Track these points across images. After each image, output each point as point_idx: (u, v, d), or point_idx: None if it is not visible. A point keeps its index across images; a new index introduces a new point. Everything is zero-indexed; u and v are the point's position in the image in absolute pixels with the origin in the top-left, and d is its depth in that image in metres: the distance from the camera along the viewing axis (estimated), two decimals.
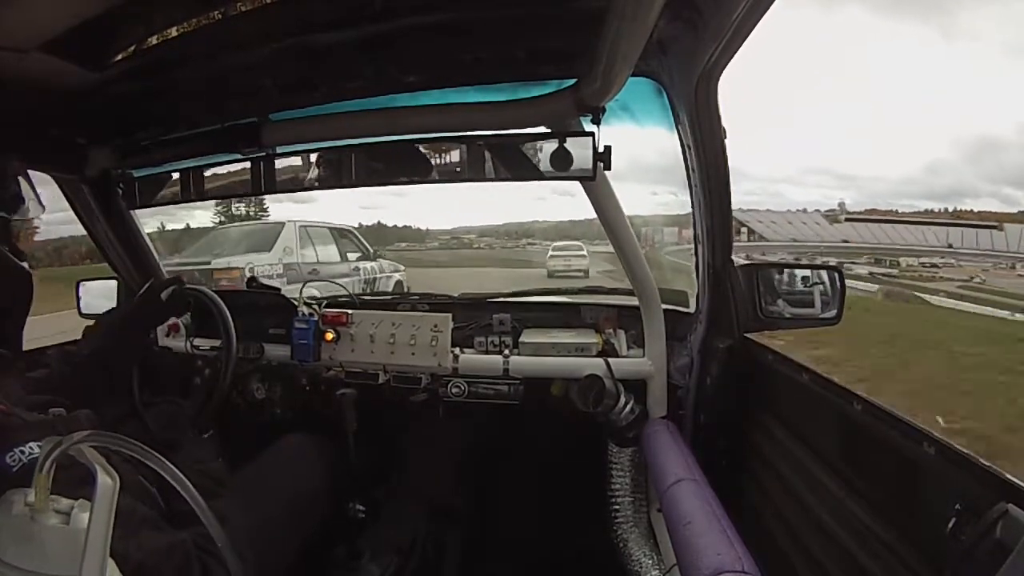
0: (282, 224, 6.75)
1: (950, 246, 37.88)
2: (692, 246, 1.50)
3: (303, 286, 1.91)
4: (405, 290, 7.08)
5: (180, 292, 1.52)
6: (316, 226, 7.14)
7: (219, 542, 0.65)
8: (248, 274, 5.49)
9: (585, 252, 14.04)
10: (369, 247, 7.68)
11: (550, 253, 14.53)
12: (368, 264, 7.29)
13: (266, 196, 1.52)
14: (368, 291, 6.57)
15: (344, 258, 7.08)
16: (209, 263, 6.06)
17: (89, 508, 0.51)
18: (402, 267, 8.24)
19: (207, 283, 5.15)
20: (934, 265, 34.34)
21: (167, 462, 0.58)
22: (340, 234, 7.34)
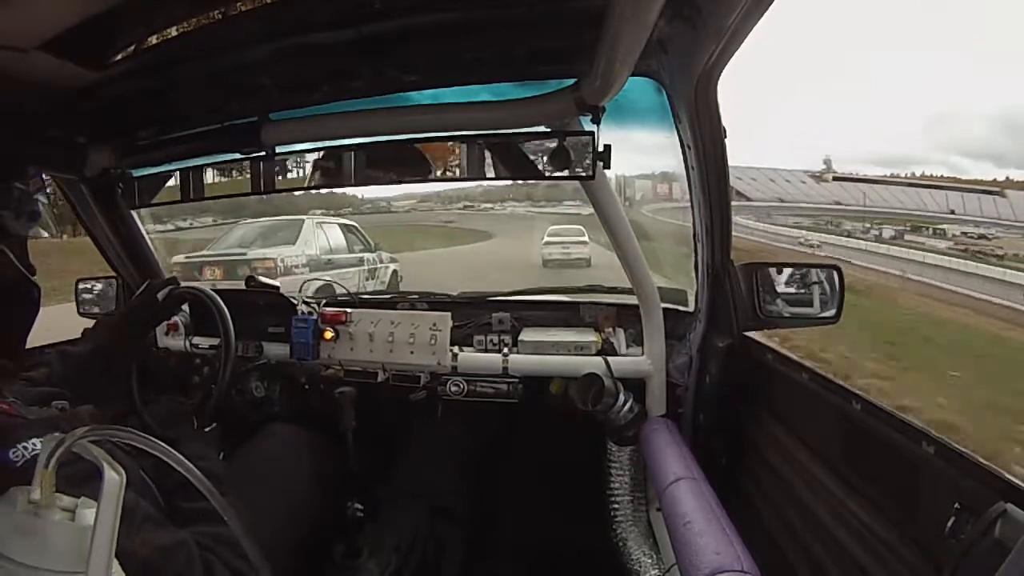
0: (301, 220, 7.35)
1: (952, 212, 35.01)
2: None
3: (303, 283, 1.93)
4: (400, 279, 7.79)
5: (177, 292, 1.52)
6: (328, 222, 7.82)
7: (237, 533, 0.64)
8: (280, 264, 6.26)
9: (587, 238, 12.27)
10: (370, 240, 8.21)
11: (545, 239, 12.86)
12: (370, 255, 7.78)
13: None
14: (370, 279, 7.26)
15: (351, 250, 7.62)
16: (246, 254, 6.67)
17: (92, 504, 0.51)
18: (397, 259, 8.72)
19: (245, 272, 5.69)
20: (982, 236, 30.65)
21: (178, 454, 0.58)
22: (347, 229, 7.94)
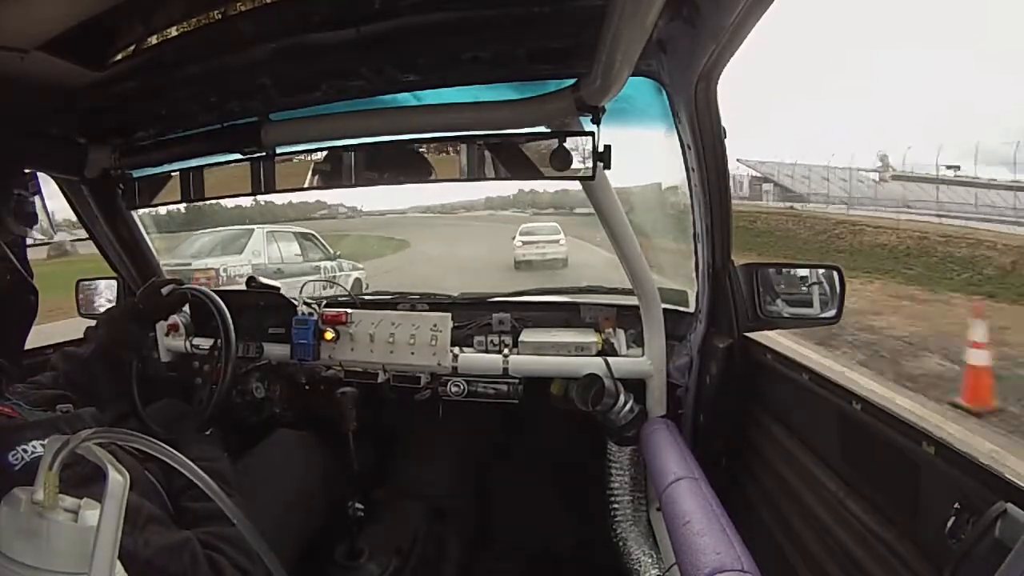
0: (251, 230, 7.45)
1: None
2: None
3: (302, 286, 1.93)
4: (364, 287, 7.72)
5: (179, 290, 1.53)
6: (281, 231, 7.99)
7: (247, 534, 0.65)
8: (223, 274, 6.44)
9: (562, 237, 11.56)
10: (330, 248, 8.31)
11: (517, 239, 11.90)
12: (328, 263, 7.81)
13: None
14: (327, 287, 7.14)
15: (306, 258, 7.73)
16: (190, 264, 6.74)
17: (95, 506, 0.51)
18: (361, 266, 8.77)
19: (188, 282, 5.65)
20: None
21: (182, 456, 0.58)
22: (304, 237, 8.08)
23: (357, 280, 8.03)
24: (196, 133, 1.44)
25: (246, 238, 7.24)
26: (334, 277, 7.37)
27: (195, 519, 0.96)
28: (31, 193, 1.04)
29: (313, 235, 8.28)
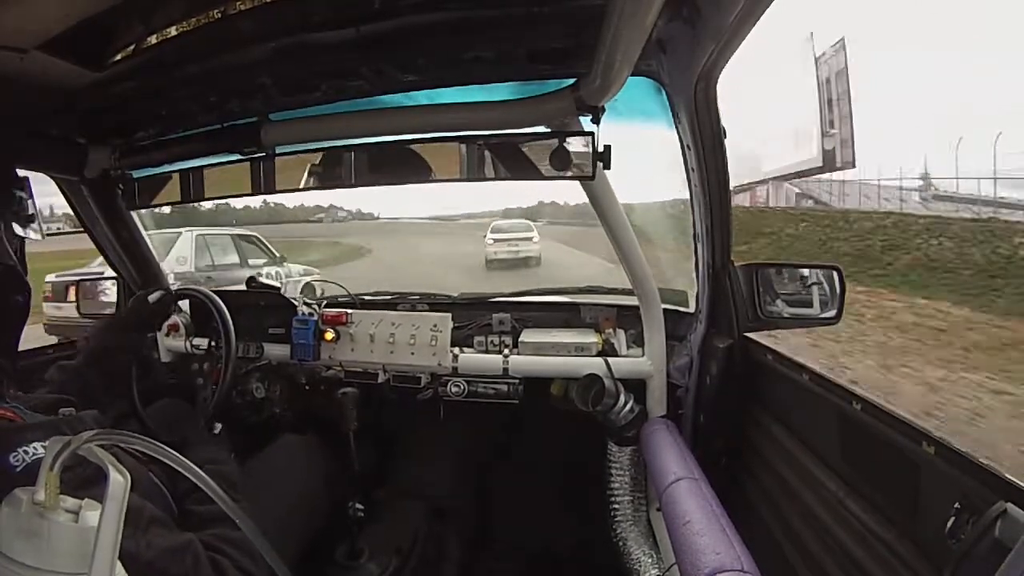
0: (178, 234, 6.81)
1: None
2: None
3: (302, 286, 1.92)
4: (319, 292, 7.26)
5: (169, 296, 1.54)
6: (216, 234, 7.36)
7: (252, 537, 0.65)
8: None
9: (535, 235, 11.38)
10: (275, 252, 7.77)
11: (488, 237, 11.60)
12: (273, 269, 7.30)
13: None
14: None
15: (245, 264, 7.18)
16: (103, 272, 6.20)
17: (96, 507, 0.51)
18: (315, 270, 8.17)
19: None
20: None
21: (184, 459, 0.58)
22: (244, 240, 7.55)
23: (307, 285, 7.64)
24: (196, 133, 1.44)
25: (169, 243, 6.57)
26: (282, 285, 7.19)
27: (200, 522, 0.96)
28: (28, 194, 1.04)
29: (256, 238, 7.79)
